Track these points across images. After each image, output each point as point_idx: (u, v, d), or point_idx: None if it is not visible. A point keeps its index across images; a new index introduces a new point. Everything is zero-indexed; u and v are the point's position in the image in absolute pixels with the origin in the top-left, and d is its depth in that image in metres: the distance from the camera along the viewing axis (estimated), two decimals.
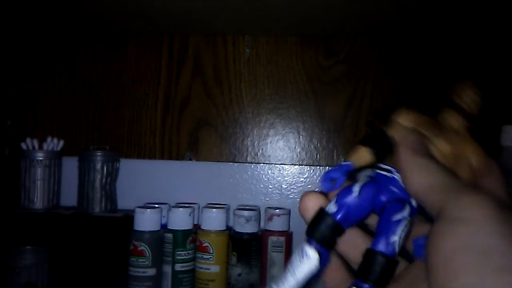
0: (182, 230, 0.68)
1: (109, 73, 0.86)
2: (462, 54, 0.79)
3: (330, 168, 0.26)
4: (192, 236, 0.69)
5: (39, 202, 0.79)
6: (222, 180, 0.84)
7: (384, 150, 0.25)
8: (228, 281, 0.69)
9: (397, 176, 0.24)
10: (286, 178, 0.84)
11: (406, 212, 0.23)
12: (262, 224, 0.74)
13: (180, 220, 0.69)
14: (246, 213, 0.69)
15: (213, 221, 0.69)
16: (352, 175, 0.26)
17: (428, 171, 0.23)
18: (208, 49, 0.84)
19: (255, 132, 0.84)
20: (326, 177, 0.25)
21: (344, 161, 0.26)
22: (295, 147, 0.84)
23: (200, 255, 0.68)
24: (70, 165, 0.82)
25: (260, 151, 0.84)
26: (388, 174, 0.25)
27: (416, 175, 0.23)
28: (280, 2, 0.65)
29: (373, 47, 0.82)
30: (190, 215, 0.69)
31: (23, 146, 0.80)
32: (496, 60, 0.78)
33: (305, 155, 0.84)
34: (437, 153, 0.24)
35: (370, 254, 0.23)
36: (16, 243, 0.70)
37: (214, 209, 0.69)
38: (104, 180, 0.79)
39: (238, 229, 0.69)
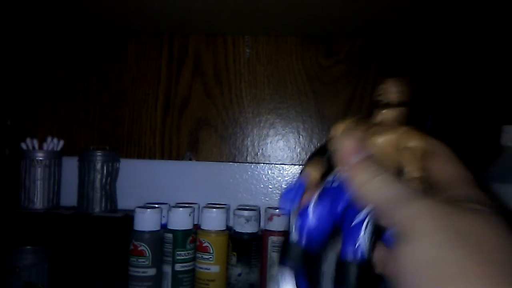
0: (182, 230, 0.68)
1: (109, 73, 0.86)
2: (462, 54, 0.79)
3: (286, 188, 0.26)
4: (192, 236, 0.69)
5: (39, 202, 0.79)
6: (222, 180, 0.84)
7: (332, 162, 0.25)
8: (228, 281, 0.69)
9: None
10: (286, 178, 0.84)
11: (363, 212, 0.23)
12: (262, 224, 0.74)
13: (180, 220, 0.68)
14: (246, 213, 0.69)
15: (213, 221, 0.69)
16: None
17: (373, 187, 0.23)
18: (208, 49, 0.84)
19: (255, 132, 0.84)
20: (284, 199, 0.25)
21: (298, 178, 0.26)
22: (295, 147, 0.84)
23: (200, 255, 0.68)
24: (70, 165, 0.82)
25: (260, 151, 0.84)
26: (337, 183, 0.25)
27: (365, 195, 0.23)
28: (280, 2, 0.65)
29: (373, 47, 0.82)
30: (190, 215, 0.69)
31: (23, 146, 0.80)
32: (496, 60, 0.78)
33: (305, 155, 0.84)
34: (377, 151, 0.24)
35: (340, 266, 0.23)
36: (16, 243, 0.70)
37: (214, 209, 0.69)
38: (104, 180, 0.79)
39: (238, 229, 0.69)
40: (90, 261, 0.72)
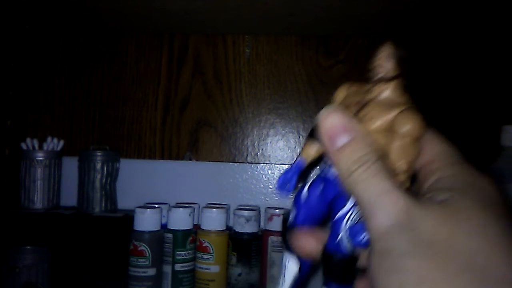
0: (182, 230, 0.68)
1: (109, 73, 0.86)
2: (462, 54, 0.79)
3: (285, 169, 0.26)
4: (192, 236, 0.69)
5: (39, 202, 0.79)
6: (222, 180, 0.84)
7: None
8: (228, 281, 0.69)
9: None
10: None
11: (350, 203, 0.23)
12: (262, 224, 0.74)
13: (180, 220, 0.69)
14: (246, 213, 0.69)
15: (213, 221, 0.69)
16: (303, 173, 0.26)
17: (357, 179, 0.22)
18: (208, 49, 0.84)
19: (255, 132, 0.84)
20: (281, 181, 0.26)
21: (297, 158, 0.26)
22: (295, 147, 0.84)
23: (200, 255, 0.68)
24: (70, 165, 0.82)
25: (260, 151, 0.84)
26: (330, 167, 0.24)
27: (348, 185, 0.22)
28: (280, 2, 0.65)
29: (373, 47, 0.82)
30: (190, 215, 0.69)
31: (23, 146, 0.80)
32: (496, 60, 0.78)
33: None
34: (368, 134, 0.23)
35: (323, 256, 0.24)
36: (16, 243, 0.70)
37: (214, 209, 0.69)
38: (104, 180, 0.78)
39: (238, 229, 0.69)
40: (90, 261, 0.72)
